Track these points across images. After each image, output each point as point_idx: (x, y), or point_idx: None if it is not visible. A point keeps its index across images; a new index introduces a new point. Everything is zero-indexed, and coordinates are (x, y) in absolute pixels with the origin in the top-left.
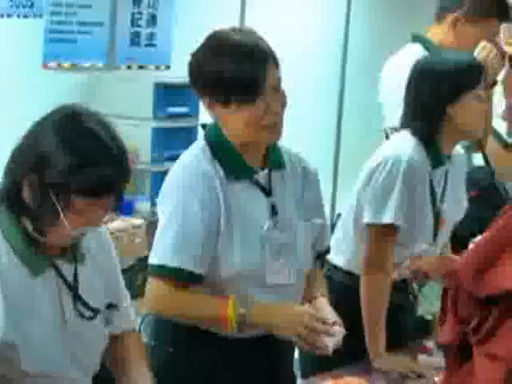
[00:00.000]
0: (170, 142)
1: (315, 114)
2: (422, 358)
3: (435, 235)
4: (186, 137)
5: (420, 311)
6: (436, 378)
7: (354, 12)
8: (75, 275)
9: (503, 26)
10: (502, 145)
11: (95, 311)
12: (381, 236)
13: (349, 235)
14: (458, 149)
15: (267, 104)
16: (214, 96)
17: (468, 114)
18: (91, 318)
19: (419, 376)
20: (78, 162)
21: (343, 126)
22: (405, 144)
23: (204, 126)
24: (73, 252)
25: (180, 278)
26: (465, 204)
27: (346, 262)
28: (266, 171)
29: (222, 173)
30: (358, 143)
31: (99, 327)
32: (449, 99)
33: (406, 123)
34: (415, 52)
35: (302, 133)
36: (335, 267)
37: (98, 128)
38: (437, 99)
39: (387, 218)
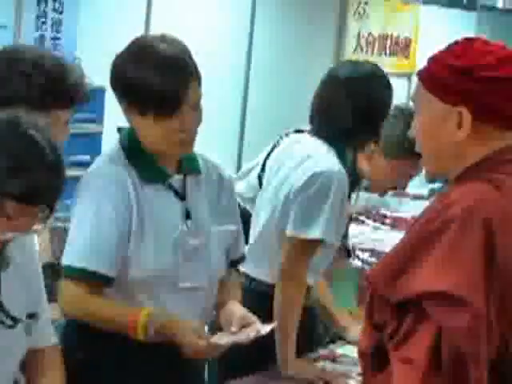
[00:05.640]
0: (74, 148)
1: (218, 115)
2: (330, 365)
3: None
4: (90, 142)
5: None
6: None
7: (258, 13)
8: None
9: None
10: None
11: (16, 320)
12: (303, 249)
13: (273, 248)
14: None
15: (183, 120)
16: (132, 103)
17: None
18: (11, 327)
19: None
20: (14, 166)
21: (247, 127)
22: (331, 158)
23: (120, 130)
24: None
25: (93, 280)
26: None
27: (269, 277)
28: (180, 176)
29: (135, 176)
30: (262, 146)
31: (19, 336)
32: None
33: (320, 133)
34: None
35: (205, 135)
36: (253, 279)
37: (37, 135)
38: (353, 108)
39: (316, 233)
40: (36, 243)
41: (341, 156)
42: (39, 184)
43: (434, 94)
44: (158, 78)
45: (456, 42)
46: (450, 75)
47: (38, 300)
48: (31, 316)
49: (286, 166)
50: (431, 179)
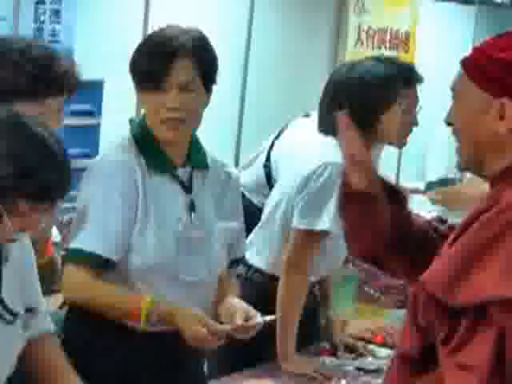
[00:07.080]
0: (73, 140)
1: (217, 109)
2: (330, 359)
3: None
4: (89, 135)
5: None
6: (343, 381)
7: (257, 7)
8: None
9: None
10: None
11: (15, 315)
12: (309, 241)
13: (274, 238)
14: None
15: (169, 96)
16: (137, 89)
17: (393, 125)
18: (10, 323)
19: (327, 378)
20: (26, 166)
21: (245, 121)
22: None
23: (131, 121)
24: None
25: (97, 265)
26: None
27: (268, 265)
28: (187, 169)
29: (143, 165)
30: (260, 139)
31: (17, 331)
32: (375, 111)
33: (330, 131)
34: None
35: (204, 129)
36: (256, 269)
37: (43, 133)
38: (363, 110)
39: (323, 224)
40: (27, 236)
41: None
42: (51, 183)
43: (477, 84)
44: (147, 56)
45: (501, 35)
46: (494, 67)
47: (34, 294)
48: (29, 310)
49: (290, 155)
50: (464, 168)
